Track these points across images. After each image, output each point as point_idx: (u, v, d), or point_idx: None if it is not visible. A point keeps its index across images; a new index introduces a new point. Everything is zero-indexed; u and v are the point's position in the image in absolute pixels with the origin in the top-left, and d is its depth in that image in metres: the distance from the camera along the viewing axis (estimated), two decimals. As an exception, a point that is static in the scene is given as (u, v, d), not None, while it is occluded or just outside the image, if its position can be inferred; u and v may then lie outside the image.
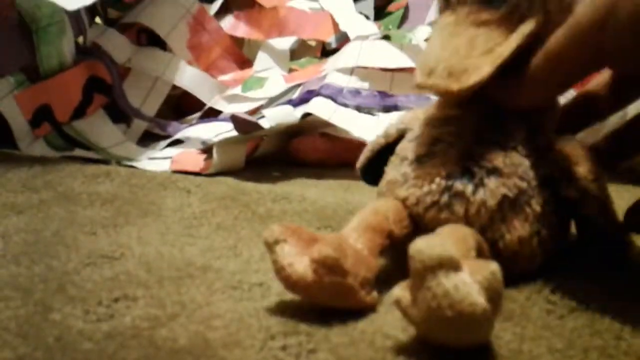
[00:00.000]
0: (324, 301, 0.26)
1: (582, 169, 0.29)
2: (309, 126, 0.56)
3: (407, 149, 0.31)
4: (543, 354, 0.24)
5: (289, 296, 0.27)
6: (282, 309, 0.27)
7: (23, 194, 0.44)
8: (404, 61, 0.55)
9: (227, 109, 0.62)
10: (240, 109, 0.60)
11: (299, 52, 0.71)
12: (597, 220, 0.29)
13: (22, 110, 0.57)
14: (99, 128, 0.60)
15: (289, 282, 0.26)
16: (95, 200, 0.42)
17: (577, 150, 0.30)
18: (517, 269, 0.29)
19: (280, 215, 0.40)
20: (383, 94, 0.54)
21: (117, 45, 0.63)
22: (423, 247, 0.22)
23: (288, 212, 0.41)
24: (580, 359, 0.23)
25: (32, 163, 0.51)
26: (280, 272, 0.26)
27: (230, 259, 0.33)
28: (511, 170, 0.29)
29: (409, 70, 0.56)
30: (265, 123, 0.50)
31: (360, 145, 0.55)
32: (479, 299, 0.21)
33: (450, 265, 0.21)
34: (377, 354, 0.23)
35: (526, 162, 0.29)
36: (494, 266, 0.22)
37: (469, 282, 0.21)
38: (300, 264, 0.25)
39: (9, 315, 0.26)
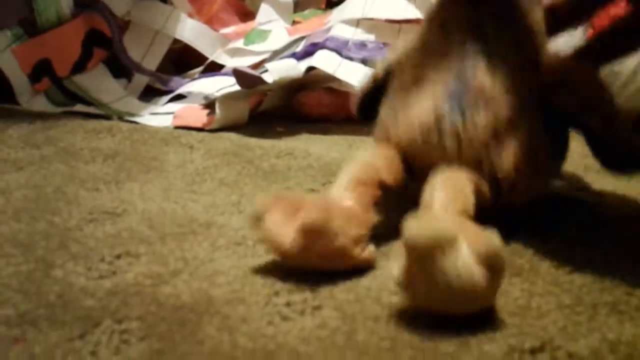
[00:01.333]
0: (319, 265, 0.25)
1: (578, 77, 0.28)
2: (314, 80, 0.55)
3: (395, 88, 0.30)
4: (552, 310, 0.23)
5: (293, 252, 0.27)
6: (287, 266, 0.26)
7: (24, 150, 0.43)
8: (412, 12, 0.53)
9: (230, 62, 0.60)
10: (243, 62, 0.59)
11: (303, 3, 0.69)
12: (601, 128, 0.28)
13: (20, 65, 0.55)
14: (99, 83, 0.59)
15: (280, 254, 0.25)
16: (97, 156, 0.42)
17: (568, 60, 0.28)
18: (520, 200, 0.28)
19: (284, 170, 0.40)
20: (390, 47, 0.52)
21: (116, -3, 0.61)
22: (416, 231, 0.21)
23: (292, 168, 0.40)
24: (589, 315, 0.23)
25: (33, 119, 0.50)
26: (269, 245, 0.25)
27: (234, 215, 0.33)
28: (499, 94, 0.28)
29: (417, 21, 0.54)
30: (268, 77, 0.49)
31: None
32: (479, 276, 0.21)
33: (447, 243, 0.21)
34: (384, 311, 0.23)
35: (516, 79, 0.28)
36: (493, 236, 0.22)
37: (468, 260, 0.21)
38: (288, 233, 0.25)
39: (10, 272, 0.26)
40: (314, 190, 0.37)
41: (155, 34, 0.62)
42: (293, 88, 0.56)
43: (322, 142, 0.48)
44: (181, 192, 0.36)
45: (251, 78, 0.49)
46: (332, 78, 0.52)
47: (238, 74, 0.48)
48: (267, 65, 0.51)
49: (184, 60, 0.67)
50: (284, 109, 0.57)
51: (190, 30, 0.61)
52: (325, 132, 0.51)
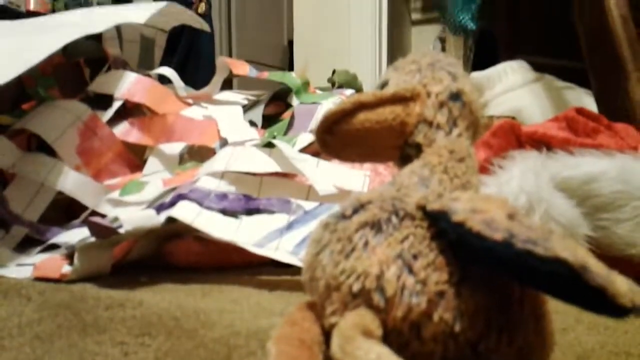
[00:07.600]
0: None
1: None
2: (184, 229, 0.56)
3: None
4: None
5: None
6: None
7: None
8: (271, 166, 0.56)
9: (112, 212, 0.62)
10: (124, 212, 0.60)
11: (193, 156, 0.72)
12: None
13: None
14: (-28, 234, 0.59)
15: None
16: None
17: None
18: None
19: (105, 323, 0.39)
20: (247, 198, 0.55)
21: (3, 151, 0.64)
22: None
23: (114, 320, 0.40)
24: None
25: None
26: None
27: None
28: None
29: (277, 174, 0.57)
30: (121, 228, 0.50)
31: (234, 248, 0.55)
32: None
33: None
34: None
35: None
36: None
37: None
38: None
39: None
40: (124, 344, 0.36)
41: (40, 186, 0.64)
42: (164, 237, 0.57)
43: (177, 291, 0.49)
44: (-14, 348, 0.35)
45: (104, 229, 0.50)
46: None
47: (91, 224, 0.50)
48: (121, 217, 0.52)
49: (73, 209, 0.68)
50: (154, 258, 0.58)
51: (72, 181, 0.64)
52: (186, 281, 0.52)
